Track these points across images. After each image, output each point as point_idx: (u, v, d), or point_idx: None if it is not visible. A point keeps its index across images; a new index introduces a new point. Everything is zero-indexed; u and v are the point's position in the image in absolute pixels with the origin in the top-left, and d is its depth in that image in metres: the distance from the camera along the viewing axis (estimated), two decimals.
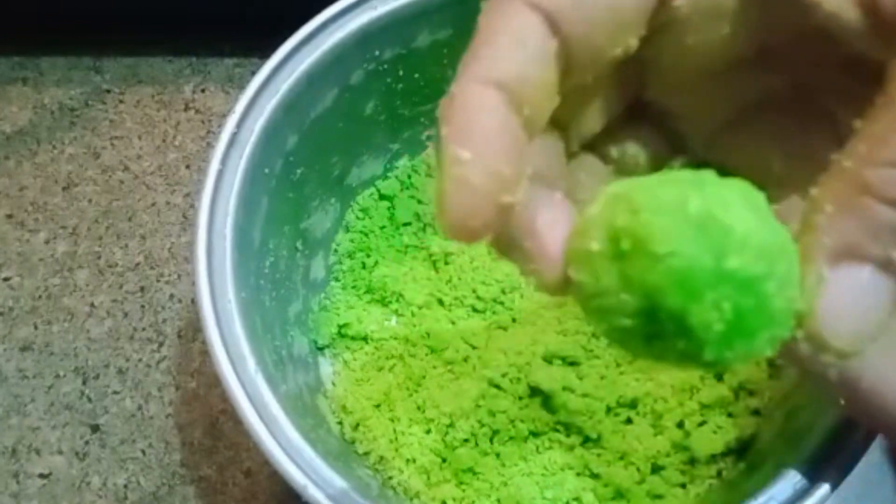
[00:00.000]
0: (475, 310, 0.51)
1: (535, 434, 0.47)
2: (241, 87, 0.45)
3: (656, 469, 0.46)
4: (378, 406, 0.49)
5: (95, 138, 0.62)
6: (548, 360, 0.48)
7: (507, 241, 0.27)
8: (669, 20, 0.27)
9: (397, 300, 0.51)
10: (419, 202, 0.54)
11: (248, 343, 0.40)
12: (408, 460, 0.47)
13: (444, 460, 0.47)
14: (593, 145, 0.32)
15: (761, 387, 0.47)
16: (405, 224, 0.53)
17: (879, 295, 0.25)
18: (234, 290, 0.41)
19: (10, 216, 0.59)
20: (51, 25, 0.66)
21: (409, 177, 0.54)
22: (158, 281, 0.57)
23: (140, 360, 0.55)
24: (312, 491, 0.37)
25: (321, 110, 0.47)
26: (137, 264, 0.58)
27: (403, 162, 0.54)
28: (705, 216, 0.23)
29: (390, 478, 0.47)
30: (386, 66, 0.48)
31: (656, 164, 0.33)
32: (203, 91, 0.64)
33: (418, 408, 0.48)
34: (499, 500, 0.46)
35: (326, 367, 0.51)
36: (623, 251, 0.24)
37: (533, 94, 0.25)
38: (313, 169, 0.49)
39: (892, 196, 0.24)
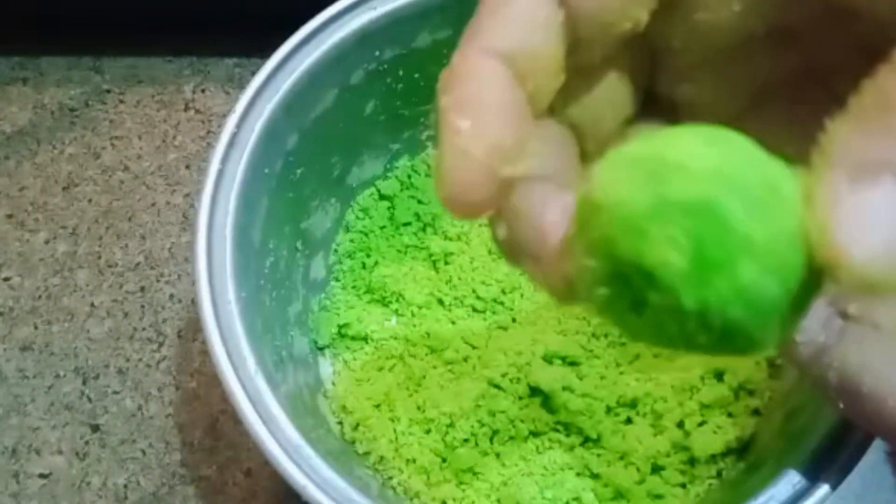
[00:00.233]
0: (475, 310, 0.51)
1: (535, 434, 0.47)
2: (241, 87, 0.45)
3: (656, 469, 0.46)
4: (378, 406, 0.49)
5: (95, 138, 0.62)
6: (548, 360, 0.48)
7: (515, 245, 0.26)
8: None
9: (397, 300, 0.51)
10: (419, 202, 0.54)
11: (248, 343, 0.40)
12: (408, 460, 0.47)
13: (444, 460, 0.47)
14: (608, 145, 0.31)
15: (761, 387, 0.47)
16: (405, 224, 0.53)
17: None
18: (234, 290, 0.41)
19: (10, 216, 0.59)
20: (51, 25, 0.66)
21: (410, 177, 0.54)
22: (158, 281, 0.57)
23: (140, 360, 0.55)
24: (312, 491, 0.37)
25: (321, 110, 0.47)
26: (137, 264, 0.58)
27: (403, 162, 0.54)
28: (649, 158, 0.22)
29: (390, 478, 0.47)
30: (386, 66, 0.48)
31: None
32: (203, 91, 0.64)
33: (418, 408, 0.48)
34: (499, 500, 0.46)
35: (326, 367, 0.51)
36: (585, 220, 0.23)
37: (537, 67, 0.25)
38: (313, 169, 0.49)
39: None
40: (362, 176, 0.53)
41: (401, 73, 0.49)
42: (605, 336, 0.49)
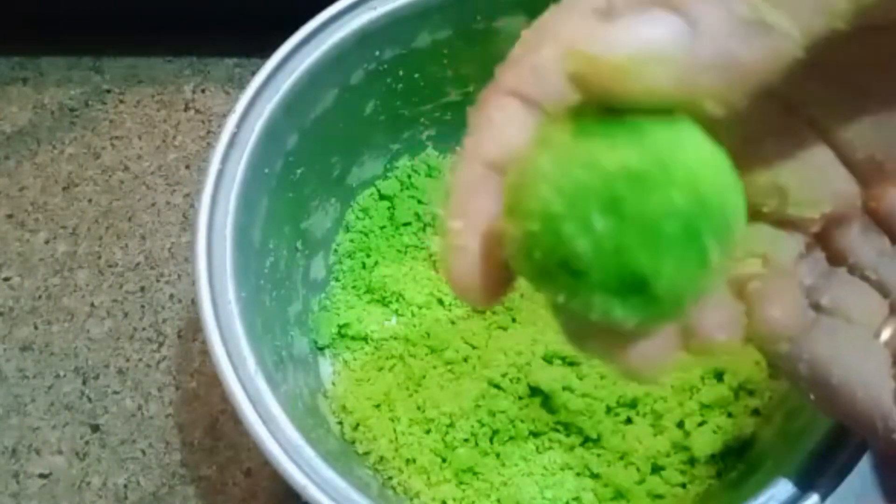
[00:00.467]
0: (475, 310, 0.51)
1: (535, 434, 0.47)
2: (241, 87, 0.45)
3: (656, 469, 0.46)
4: (378, 406, 0.49)
5: (95, 138, 0.62)
6: (548, 360, 0.48)
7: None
8: None
9: (397, 300, 0.51)
10: (419, 202, 0.54)
11: (248, 343, 0.40)
12: (408, 460, 0.47)
13: (444, 460, 0.47)
14: None
15: (761, 387, 0.47)
16: (405, 224, 0.53)
17: None
18: (234, 289, 0.41)
19: (10, 216, 0.59)
20: (51, 25, 0.66)
21: (409, 177, 0.54)
22: (158, 281, 0.57)
23: (140, 360, 0.55)
24: (312, 491, 0.37)
25: (321, 110, 0.47)
26: (137, 264, 0.58)
27: (403, 162, 0.55)
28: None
29: (390, 478, 0.47)
30: (386, 67, 0.49)
31: None
32: (203, 91, 0.64)
33: (418, 408, 0.48)
34: (499, 500, 0.46)
35: (326, 367, 0.51)
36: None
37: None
38: (313, 169, 0.49)
39: None
40: (362, 176, 0.53)
41: (401, 73, 0.49)
42: None
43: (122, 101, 0.64)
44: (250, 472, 0.51)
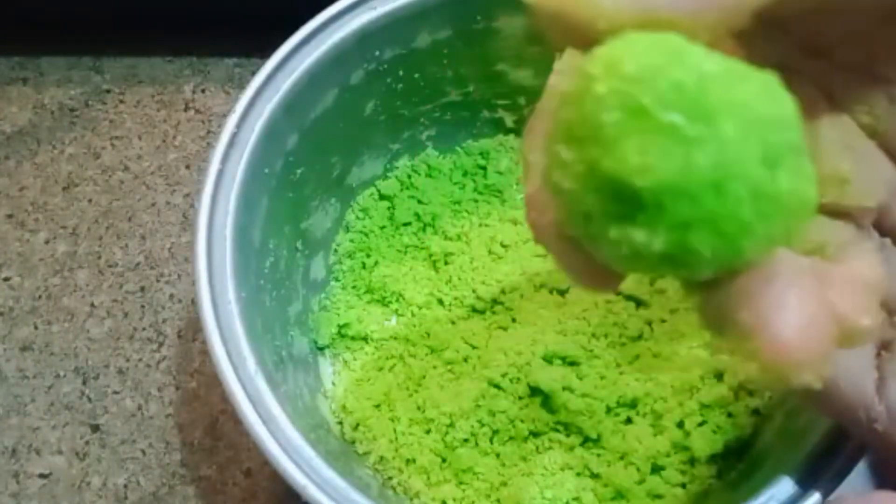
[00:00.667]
0: (475, 310, 0.51)
1: (534, 434, 0.47)
2: (241, 87, 0.45)
3: (656, 469, 0.46)
4: (378, 406, 0.49)
5: (95, 138, 0.62)
6: (548, 360, 0.48)
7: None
8: None
9: (397, 300, 0.52)
10: (419, 202, 0.54)
11: (248, 343, 0.40)
12: (408, 460, 0.47)
13: (443, 460, 0.47)
14: None
15: (761, 387, 0.47)
16: (405, 224, 0.53)
17: None
18: (234, 289, 0.41)
19: (10, 216, 0.59)
20: (51, 25, 0.66)
21: (409, 177, 0.54)
22: (158, 281, 0.57)
23: (140, 360, 0.55)
24: (312, 491, 0.37)
25: (321, 110, 0.47)
26: (137, 264, 0.58)
27: (403, 162, 0.55)
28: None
29: (390, 478, 0.47)
30: (386, 67, 0.49)
31: None
32: (203, 91, 0.64)
33: (418, 408, 0.48)
34: (499, 501, 0.46)
35: (326, 367, 0.51)
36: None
37: None
38: (313, 169, 0.49)
39: None
40: (362, 176, 0.53)
41: (401, 73, 0.49)
42: (606, 336, 0.49)
43: (122, 101, 0.64)
44: (250, 472, 0.52)
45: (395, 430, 0.48)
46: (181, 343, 0.55)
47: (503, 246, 0.53)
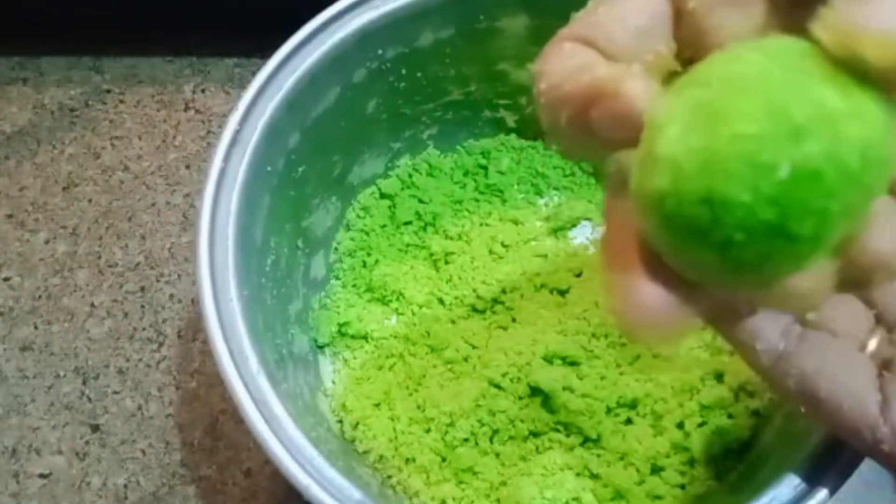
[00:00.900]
0: (475, 309, 0.51)
1: (534, 434, 0.47)
2: (242, 87, 0.45)
3: (656, 470, 0.46)
4: (378, 405, 0.49)
5: (95, 138, 0.62)
6: (548, 360, 0.48)
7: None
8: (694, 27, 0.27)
9: (398, 299, 0.52)
10: (420, 201, 0.54)
11: (250, 341, 0.40)
12: (407, 459, 0.47)
13: (443, 459, 0.47)
14: None
15: (761, 388, 0.47)
16: (406, 223, 0.53)
17: None
18: (236, 287, 0.41)
19: (10, 216, 0.59)
20: (51, 25, 0.66)
21: (411, 176, 0.54)
22: (158, 281, 0.57)
23: (140, 360, 0.55)
24: (315, 490, 0.37)
25: (323, 109, 0.47)
26: (137, 264, 0.58)
27: (405, 161, 0.55)
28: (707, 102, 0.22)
29: (390, 477, 0.47)
30: (388, 65, 0.49)
31: None
32: (203, 91, 0.64)
33: (418, 407, 0.48)
34: (498, 500, 0.46)
35: (326, 365, 0.51)
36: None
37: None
38: (315, 167, 0.49)
39: None
40: (363, 175, 0.53)
41: (403, 72, 0.50)
42: (606, 336, 0.49)
43: (122, 101, 0.64)
44: (250, 472, 0.51)
45: (394, 429, 0.48)
46: (181, 343, 0.55)
47: (504, 246, 0.53)
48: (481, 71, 0.51)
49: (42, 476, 0.52)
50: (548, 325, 0.49)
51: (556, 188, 0.55)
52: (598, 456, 0.46)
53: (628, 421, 0.47)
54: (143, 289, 0.57)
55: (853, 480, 0.36)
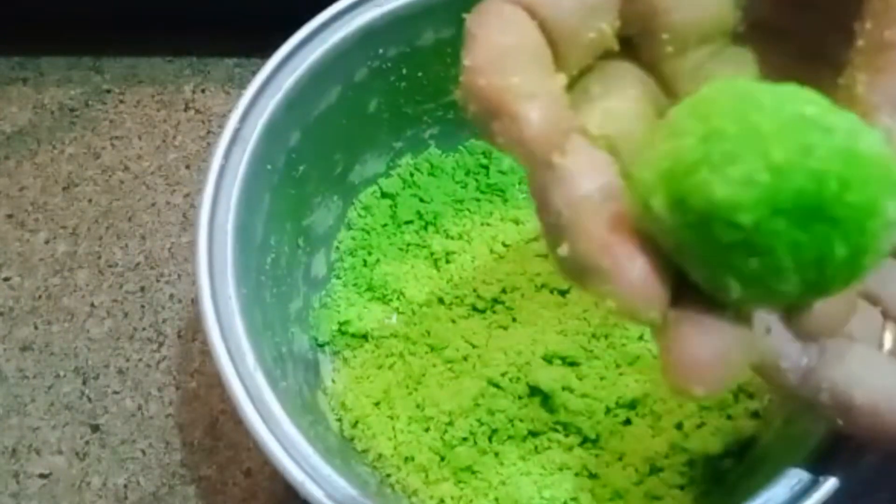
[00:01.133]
0: (476, 309, 0.51)
1: (533, 434, 0.47)
2: (242, 87, 0.45)
3: (655, 470, 0.46)
4: (377, 404, 0.49)
5: (95, 138, 0.62)
6: (548, 359, 0.48)
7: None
8: (646, 6, 0.27)
9: (398, 298, 0.52)
10: (421, 200, 0.54)
11: (248, 339, 0.40)
12: (406, 458, 0.47)
13: (442, 459, 0.47)
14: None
15: (761, 389, 0.47)
16: (407, 222, 0.53)
17: None
18: (234, 285, 0.41)
19: (10, 216, 0.59)
20: (51, 25, 0.66)
21: (412, 175, 0.54)
22: (158, 281, 0.57)
23: (140, 360, 0.55)
24: (310, 487, 0.37)
25: (324, 107, 0.47)
26: (137, 264, 0.58)
27: (406, 160, 0.55)
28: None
29: (388, 475, 0.47)
30: (390, 65, 0.49)
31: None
32: (203, 91, 0.64)
33: (418, 406, 0.48)
34: (497, 500, 0.46)
35: (326, 364, 0.51)
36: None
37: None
38: (316, 166, 0.49)
39: None
40: (365, 173, 0.53)
41: (404, 71, 0.50)
42: (606, 337, 0.49)
43: (122, 101, 0.64)
44: (250, 472, 0.51)
45: (394, 428, 0.48)
46: (181, 343, 0.55)
47: (505, 245, 0.53)
48: None
49: (42, 476, 0.52)
50: (548, 325, 0.49)
51: None
52: (597, 456, 0.47)
53: (627, 421, 0.47)
54: (143, 289, 0.57)
55: (850, 481, 0.36)
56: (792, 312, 0.25)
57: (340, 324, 0.51)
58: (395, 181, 0.54)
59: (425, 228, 0.54)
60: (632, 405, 0.47)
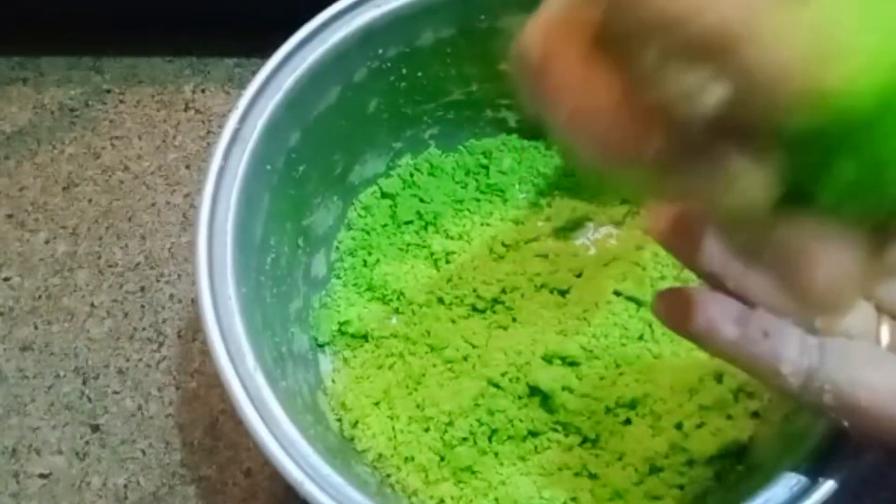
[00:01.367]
0: (475, 309, 0.51)
1: (533, 434, 0.47)
2: (241, 87, 0.45)
3: (654, 470, 0.46)
4: (377, 404, 0.49)
5: (95, 138, 0.62)
6: (547, 359, 0.48)
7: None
8: None
9: (398, 298, 0.52)
10: (421, 200, 0.54)
11: (248, 339, 0.40)
12: (406, 458, 0.47)
13: (442, 459, 0.47)
14: None
15: (760, 389, 0.47)
16: (407, 222, 0.53)
17: None
18: (234, 285, 0.41)
19: (10, 216, 0.59)
20: (51, 25, 0.66)
21: (412, 175, 0.54)
22: (158, 281, 0.57)
23: (140, 360, 0.55)
24: (309, 487, 0.37)
25: (324, 108, 0.47)
26: (137, 264, 0.58)
27: (406, 160, 0.55)
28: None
29: (388, 475, 0.47)
30: (389, 65, 0.49)
31: None
32: (203, 91, 0.64)
33: (417, 406, 0.48)
34: (496, 499, 0.46)
35: (326, 364, 0.51)
36: None
37: None
38: (316, 166, 0.49)
39: None
40: (364, 174, 0.53)
41: (404, 71, 0.50)
42: (606, 337, 0.49)
43: (122, 101, 0.64)
44: (250, 472, 0.51)
45: (393, 428, 0.48)
46: (181, 343, 0.55)
47: (504, 245, 0.53)
48: (483, 71, 0.51)
49: (42, 476, 0.52)
50: (548, 325, 0.49)
51: (557, 188, 0.55)
52: (597, 456, 0.47)
53: (627, 421, 0.47)
54: (143, 289, 0.57)
55: (851, 480, 0.36)
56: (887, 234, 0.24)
57: (340, 324, 0.51)
58: (394, 181, 0.54)
59: (425, 228, 0.54)
60: (632, 405, 0.47)
